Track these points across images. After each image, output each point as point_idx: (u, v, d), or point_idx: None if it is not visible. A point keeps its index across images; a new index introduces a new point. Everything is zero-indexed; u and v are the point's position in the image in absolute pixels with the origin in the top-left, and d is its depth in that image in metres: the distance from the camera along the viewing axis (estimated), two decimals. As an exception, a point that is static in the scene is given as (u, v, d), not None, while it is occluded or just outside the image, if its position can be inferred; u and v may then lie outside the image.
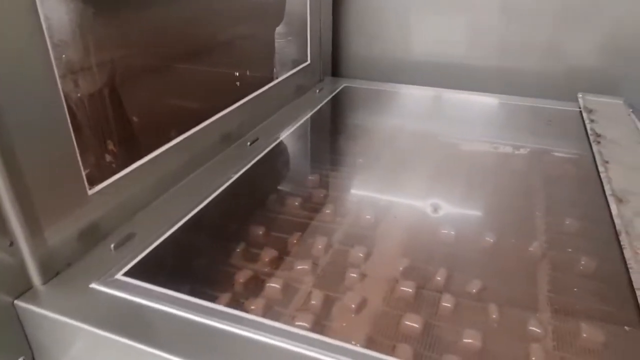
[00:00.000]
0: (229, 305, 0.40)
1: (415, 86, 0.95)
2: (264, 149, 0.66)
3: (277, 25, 0.80)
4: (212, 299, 0.41)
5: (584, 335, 0.38)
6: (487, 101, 0.92)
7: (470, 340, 0.38)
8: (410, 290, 0.43)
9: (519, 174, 0.69)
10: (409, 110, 0.92)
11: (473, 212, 0.60)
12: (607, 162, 0.59)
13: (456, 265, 0.47)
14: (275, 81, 0.77)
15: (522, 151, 0.84)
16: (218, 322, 0.37)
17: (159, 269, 0.45)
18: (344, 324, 0.41)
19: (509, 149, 0.84)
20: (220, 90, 0.68)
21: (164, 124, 0.57)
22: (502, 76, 0.92)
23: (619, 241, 0.45)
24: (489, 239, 0.50)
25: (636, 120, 0.74)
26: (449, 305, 0.41)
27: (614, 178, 0.55)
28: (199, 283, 0.45)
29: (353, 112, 0.95)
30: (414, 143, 0.82)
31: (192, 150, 0.58)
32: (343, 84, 0.95)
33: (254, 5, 0.74)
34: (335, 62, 1.02)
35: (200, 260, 0.49)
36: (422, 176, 0.70)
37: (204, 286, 0.44)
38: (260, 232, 0.51)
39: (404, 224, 0.55)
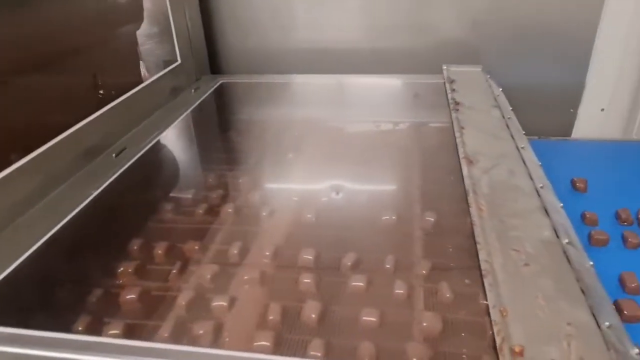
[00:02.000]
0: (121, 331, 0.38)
1: (294, 75, 0.95)
2: (132, 158, 0.63)
3: (137, 27, 0.76)
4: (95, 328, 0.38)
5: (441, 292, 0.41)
6: (363, 82, 0.94)
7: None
8: (309, 281, 0.43)
9: (399, 147, 0.73)
10: (290, 100, 0.92)
11: (370, 189, 0.64)
12: (462, 127, 0.63)
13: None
14: (142, 85, 0.73)
15: (401, 126, 0.88)
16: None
17: (9, 305, 0.41)
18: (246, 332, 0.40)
19: (389, 125, 0.88)
20: (76, 99, 0.63)
21: (6, 143, 0.52)
22: (375, 56, 0.95)
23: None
24: (387, 216, 0.53)
25: (492, 85, 0.80)
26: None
27: (467, 142, 0.59)
28: (57, 311, 0.42)
29: (233, 108, 0.93)
30: (300, 131, 0.83)
31: (47, 169, 0.54)
32: (220, 80, 0.93)
33: (105, 7, 0.70)
34: (213, 59, 1.00)
35: (65, 286, 0.46)
36: (314, 161, 0.72)
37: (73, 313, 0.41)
38: (136, 247, 0.49)
39: (307, 210, 0.56)
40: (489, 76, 0.83)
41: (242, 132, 0.86)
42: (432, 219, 0.50)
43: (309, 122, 0.88)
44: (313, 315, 0.40)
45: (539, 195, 0.48)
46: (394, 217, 0.53)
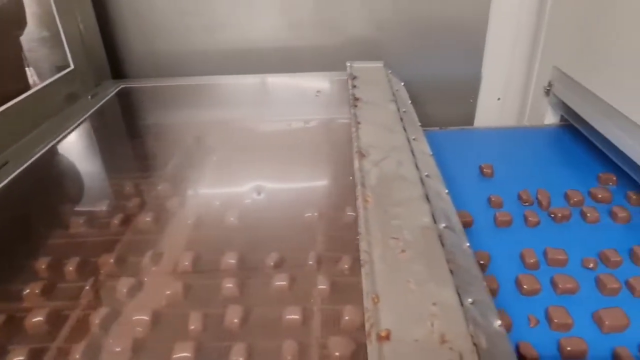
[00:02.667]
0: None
1: (200, 77, 0.94)
2: (13, 173, 0.59)
3: (19, 31, 0.71)
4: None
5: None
6: (271, 81, 0.94)
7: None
8: (231, 285, 0.44)
9: (311, 144, 0.75)
10: (197, 102, 0.91)
11: (290, 187, 0.65)
12: (359, 122, 0.64)
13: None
14: (27, 93, 0.69)
15: (312, 123, 0.89)
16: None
17: None
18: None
19: (300, 124, 0.89)
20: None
21: None
22: (285, 55, 0.96)
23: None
24: (309, 213, 0.54)
25: (393, 80, 0.83)
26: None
27: (362, 136, 0.60)
28: None
29: (138, 113, 0.90)
30: (210, 133, 0.82)
31: None
32: (121, 85, 0.89)
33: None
34: (117, 64, 0.96)
35: None
36: (229, 164, 0.71)
37: None
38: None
39: (229, 214, 0.56)
40: (390, 71, 0.86)
41: (148, 137, 0.83)
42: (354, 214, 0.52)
43: (219, 123, 0.87)
44: (236, 320, 0.40)
45: (423, 183, 0.50)
46: (315, 214, 0.54)
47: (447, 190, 0.53)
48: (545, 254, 0.55)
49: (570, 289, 0.50)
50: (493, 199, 0.65)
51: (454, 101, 1.00)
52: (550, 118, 0.87)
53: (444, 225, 0.45)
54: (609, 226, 0.61)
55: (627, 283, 0.51)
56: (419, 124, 0.72)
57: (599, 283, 0.51)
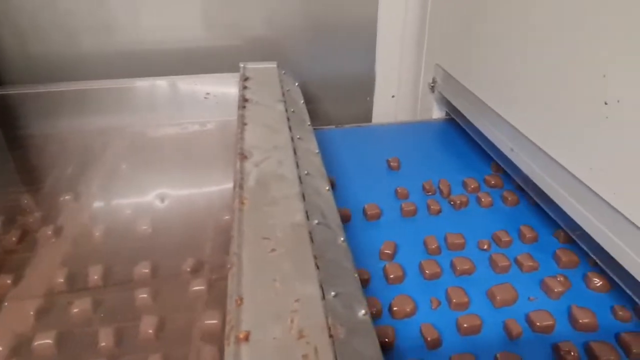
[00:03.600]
0: None
1: (82, 82, 0.88)
2: None
3: None
4: None
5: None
6: (162, 84, 0.91)
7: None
8: (145, 296, 0.43)
9: (207, 148, 0.76)
10: (80, 109, 0.86)
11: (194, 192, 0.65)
12: (245, 123, 0.64)
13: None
14: None
15: (208, 126, 0.88)
16: None
17: None
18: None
19: (196, 127, 0.87)
20: None
21: None
22: (177, 56, 0.93)
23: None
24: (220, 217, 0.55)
25: (286, 80, 0.84)
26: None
27: (247, 137, 0.60)
28: None
29: (15, 123, 0.84)
30: (101, 141, 0.78)
31: None
32: (-8, 92, 0.82)
33: None
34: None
35: None
36: (128, 173, 0.68)
37: None
38: None
39: (140, 222, 0.54)
40: (284, 72, 0.86)
41: (30, 149, 0.77)
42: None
43: (110, 130, 0.83)
44: (150, 331, 0.40)
45: (301, 182, 0.51)
46: (226, 218, 0.54)
47: (327, 187, 0.55)
48: (445, 239, 0.58)
49: (467, 270, 0.54)
50: (399, 191, 0.68)
51: (352, 99, 1.03)
52: (437, 113, 0.92)
53: (316, 221, 0.46)
54: (501, 209, 0.66)
55: (515, 260, 0.55)
56: (309, 123, 0.73)
57: (492, 262, 0.55)
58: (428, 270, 0.54)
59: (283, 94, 0.75)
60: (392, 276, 0.53)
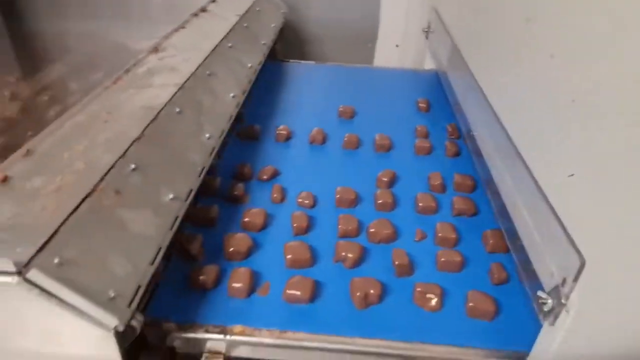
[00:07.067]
0: None
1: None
2: None
3: None
4: None
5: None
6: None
7: None
8: None
9: None
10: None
11: None
12: (183, 27, 0.62)
13: None
14: None
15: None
16: None
17: None
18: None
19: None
20: None
21: None
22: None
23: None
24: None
25: (275, 4, 0.80)
26: None
27: (174, 37, 0.58)
28: None
29: None
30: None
31: None
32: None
33: None
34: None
35: None
36: None
37: None
38: None
39: None
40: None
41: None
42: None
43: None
44: None
45: (195, 77, 0.48)
46: None
47: (233, 94, 0.51)
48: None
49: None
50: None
51: (352, 44, 0.97)
52: (429, 63, 0.84)
53: (178, 110, 0.43)
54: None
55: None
56: (263, 42, 0.69)
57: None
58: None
59: (247, 11, 0.72)
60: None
